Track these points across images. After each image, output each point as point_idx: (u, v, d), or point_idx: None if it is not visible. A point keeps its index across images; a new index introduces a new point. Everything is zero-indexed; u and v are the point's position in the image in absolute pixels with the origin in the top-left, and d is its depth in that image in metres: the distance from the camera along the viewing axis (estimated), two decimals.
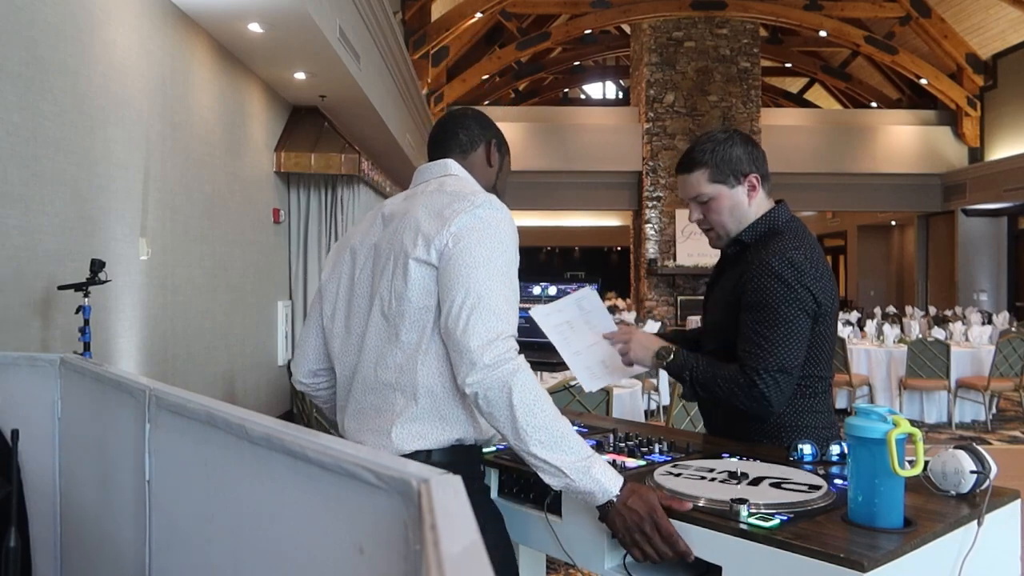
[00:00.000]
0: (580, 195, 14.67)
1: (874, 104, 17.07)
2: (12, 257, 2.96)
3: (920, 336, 7.57)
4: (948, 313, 12.38)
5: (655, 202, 14.13)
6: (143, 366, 4.07)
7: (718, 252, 1.97)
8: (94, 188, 3.58)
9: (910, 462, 1.23)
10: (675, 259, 13.92)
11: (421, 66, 11.94)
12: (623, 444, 1.69)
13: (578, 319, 1.91)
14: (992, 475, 1.30)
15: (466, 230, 1.38)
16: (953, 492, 1.31)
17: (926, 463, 1.32)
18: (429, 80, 12.74)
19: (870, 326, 7.96)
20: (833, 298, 1.72)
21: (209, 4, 4.53)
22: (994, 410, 7.14)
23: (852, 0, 13.66)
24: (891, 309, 12.96)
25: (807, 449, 1.56)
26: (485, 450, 1.60)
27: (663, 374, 5.23)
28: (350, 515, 0.75)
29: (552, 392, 3.21)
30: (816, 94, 19.89)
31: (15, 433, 1.58)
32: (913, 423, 1.22)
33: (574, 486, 1.31)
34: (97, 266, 3.17)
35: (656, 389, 6.75)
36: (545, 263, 22.45)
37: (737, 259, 1.82)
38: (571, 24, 14.06)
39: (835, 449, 1.54)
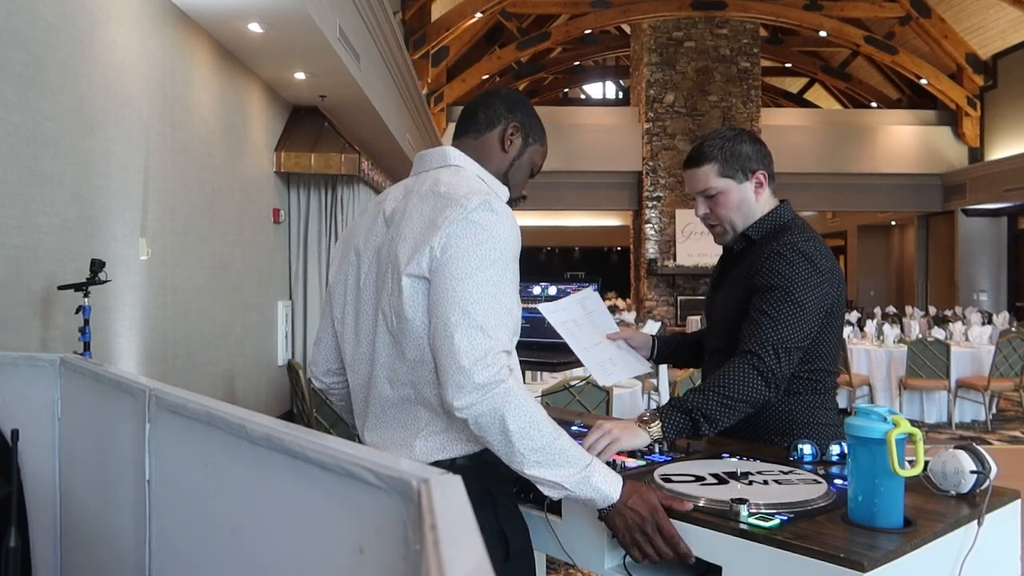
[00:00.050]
0: (580, 195, 14.67)
1: (874, 104, 17.07)
2: (12, 257, 2.96)
3: (920, 336, 7.57)
4: (948, 313, 12.38)
5: (655, 202, 14.13)
6: (143, 366, 4.07)
7: (718, 252, 1.97)
8: (94, 188, 3.58)
9: (910, 462, 1.23)
10: (675, 259, 13.92)
11: (421, 66, 11.94)
12: None
13: (583, 318, 1.92)
14: (992, 475, 1.30)
15: (456, 238, 1.30)
16: (953, 492, 1.31)
17: (926, 463, 1.32)
18: (429, 80, 12.74)
19: (870, 326, 7.96)
20: (843, 294, 1.74)
21: (209, 4, 4.53)
22: (994, 410, 7.14)
23: (852, 0, 13.66)
24: (891, 309, 12.97)
25: (807, 449, 1.56)
26: None
27: (663, 374, 5.22)
28: (350, 515, 0.75)
29: (552, 392, 3.21)
30: (816, 94, 19.89)
31: (15, 433, 1.58)
32: (913, 423, 1.22)
33: (573, 496, 1.30)
34: (97, 266, 3.17)
35: (656, 389, 6.74)
36: (545, 263, 22.45)
37: (741, 257, 1.82)
38: (571, 24, 14.06)
39: (835, 449, 1.54)
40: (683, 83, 14.14)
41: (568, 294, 2.04)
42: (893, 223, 17.60)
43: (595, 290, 2.03)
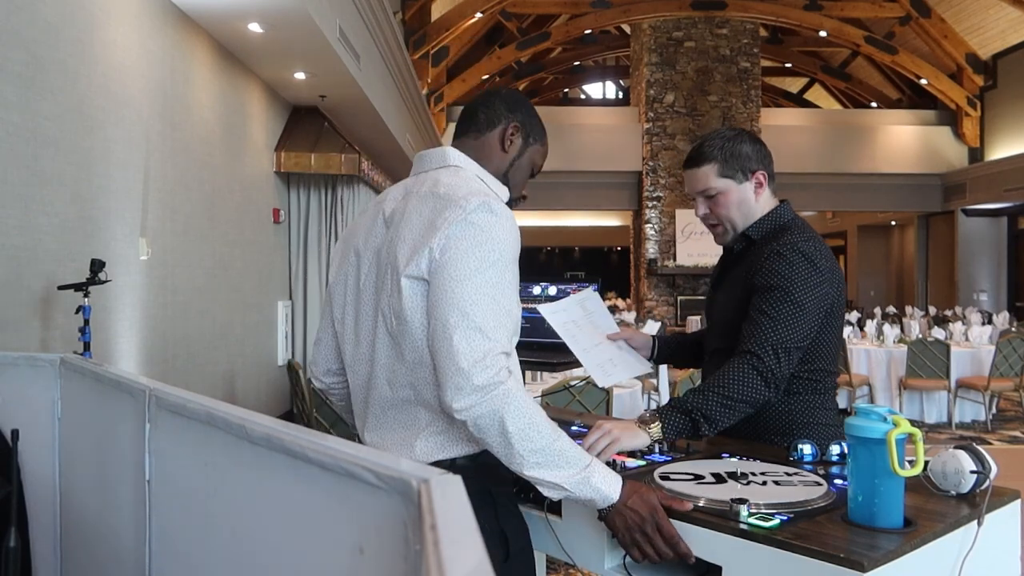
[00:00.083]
0: (580, 195, 14.67)
1: (874, 104, 17.08)
2: (12, 257, 2.96)
3: (920, 336, 7.57)
4: (948, 313, 12.38)
5: (655, 202, 14.14)
6: (143, 366, 4.08)
7: (718, 252, 1.97)
8: (94, 188, 3.58)
9: (910, 462, 1.23)
10: (675, 259, 13.92)
11: (421, 66, 11.94)
12: None
13: (583, 319, 1.92)
14: (992, 475, 1.30)
15: (455, 239, 1.29)
16: (953, 492, 1.31)
17: (926, 463, 1.32)
18: (429, 80, 12.74)
19: (870, 326, 7.96)
20: (843, 294, 1.74)
21: (209, 4, 4.53)
22: (994, 410, 7.14)
23: (852, 0, 13.67)
24: (891, 309, 12.97)
25: (807, 449, 1.56)
26: None
27: (663, 374, 5.22)
28: (350, 515, 0.75)
29: (552, 392, 3.21)
30: (816, 94, 19.90)
31: (15, 433, 1.58)
32: (913, 423, 1.22)
33: (573, 496, 1.30)
34: (97, 266, 3.17)
35: (656, 389, 6.75)
36: (545, 263, 22.45)
37: (741, 257, 1.83)
38: (571, 24, 14.07)
39: (835, 449, 1.54)
40: (683, 83, 14.14)
41: (568, 294, 2.04)
42: (893, 223, 17.60)
43: (595, 290, 2.03)
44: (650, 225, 14.16)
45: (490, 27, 14.51)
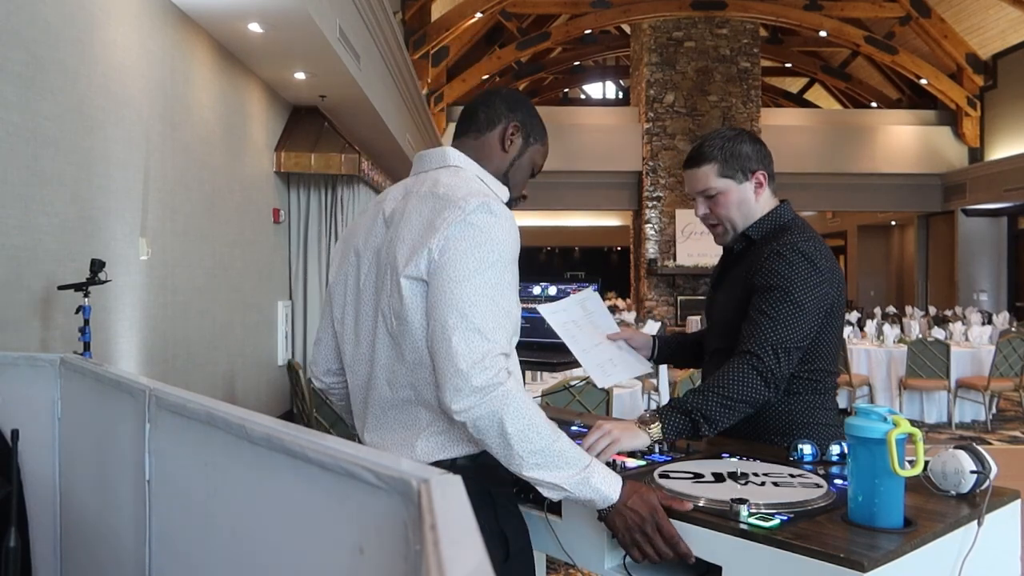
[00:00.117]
0: (580, 195, 14.67)
1: (874, 104, 17.08)
2: (12, 257, 2.96)
3: (920, 336, 7.57)
4: (948, 313, 12.39)
5: (655, 202, 14.14)
6: (143, 366, 4.08)
7: (718, 252, 1.97)
8: (94, 188, 3.58)
9: (910, 462, 1.23)
10: (675, 259, 13.93)
11: (421, 66, 11.94)
12: None
13: (583, 319, 1.92)
14: (992, 475, 1.30)
15: (454, 240, 1.29)
16: (953, 492, 1.31)
17: (926, 463, 1.32)
18: (429, 80, 12.74)
19: (870, 326, 7.96)
20: (843, 294, 1.74)
21: (209, 4, 4.53)
22: (994, 410, 7.14)
23: (852, 0, 13.67)
24: (891, 309, 12.97)
25: (807, 449, 1.56)
26: None
27: (663, 374, 5.23)
28: (350, 515, 0.75)
29: (552, 392, 3.21)
30: (816, 94, 19.90)
31: (15, 433, 1.58)
32: (913, 423, 1.22)
33: (573, 497, 1.30)
34: (97, 266, 3.17)
35: (656, 389, 6.75)
36: (545, 263, 22.45)
37: (741, 257, 1.83)
38: (571, 24, 14.07)
39: (835, 449, 1.54)
40: (683, 83, 14.14)
41: (568, 294, 2.04)
42: (893, 223, 17.60)
43: (595, 290, 2.03)
44: (650, 225, 14.16)
45: (490, 27, 14.51)
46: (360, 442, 1.48)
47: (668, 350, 2.06)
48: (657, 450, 1.60)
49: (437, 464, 1.35)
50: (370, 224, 1.49)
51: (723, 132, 1.82)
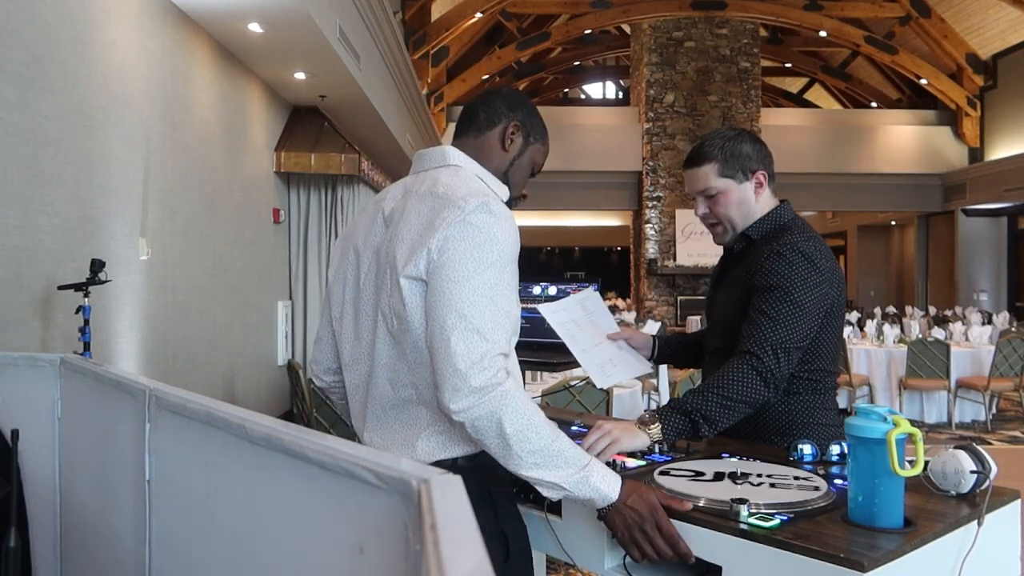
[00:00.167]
0: (580, 195, 14.67)
1: (874, 104, 17.08)
2: (12, 257, 2.96)
3: (920, 336, 7.57)
4: (948, 313, 12.39)
5: (655, 202, 14.14)
6: (143, 366, 4.08)
7: (718, 252, 1.97)
8: (94, 188, 3.58)
9: (910, 462, 1.23)
10: (675, 259, 13.93)
11: (421, 66, 11.94)
12: None
13: (583, 319, 1.92)
14: (992, 475, 1.30)
15: (453, 240, 1.29)
16: (953, 492, 1.31)
17: (926, 463, 1.32)
18: (429, 80, 12.74)
19: (870, 326, 7.96)
20: (843, 294, 1.74)
21: (209, 4, 4.53)
22: (994, 410, 7.14)
23: (852, 0, 13.67)
24: (891, 309, 12.97)
25: (807, 449, 1.55)
26: None
27: (663, 374, 5.23)
28: (350, 515, 0.75)
29: (552, 392, 3.21)
30: (816, 94, 19.90)
31: (15, 433, 1.58)
32: (913, 423, 1.22)
33: (572, 496, 1.30)
34: (97, 266, 3.17)
35: (656, 389, 6.75)
36: (545, 263, 22.46)
37: (741, 256, 1.83)
38: (571, 24, 14.07)
39: (835, 449, 1.54)
40: (683, 83, 14.14)
41: (568, 294, 2.04)
42: (893, 223, 17.60)
43: (595, 290, 2.03)
44: (650, 225, 14.16)
45: (490, 27, 14.51)
46: (359, 441, 1.48)
47: (668, 350, 2.06)
48: (657, 450, 1.60)
49: (437, 464, 1.35)
50: (369, 223, 1.49)
51: (723, 132, 1.82)
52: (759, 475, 1.42)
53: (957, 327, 8.05)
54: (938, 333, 7.44)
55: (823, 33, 13.99)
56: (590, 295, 1.99)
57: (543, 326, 1.91)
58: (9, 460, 1.57)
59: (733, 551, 1.20)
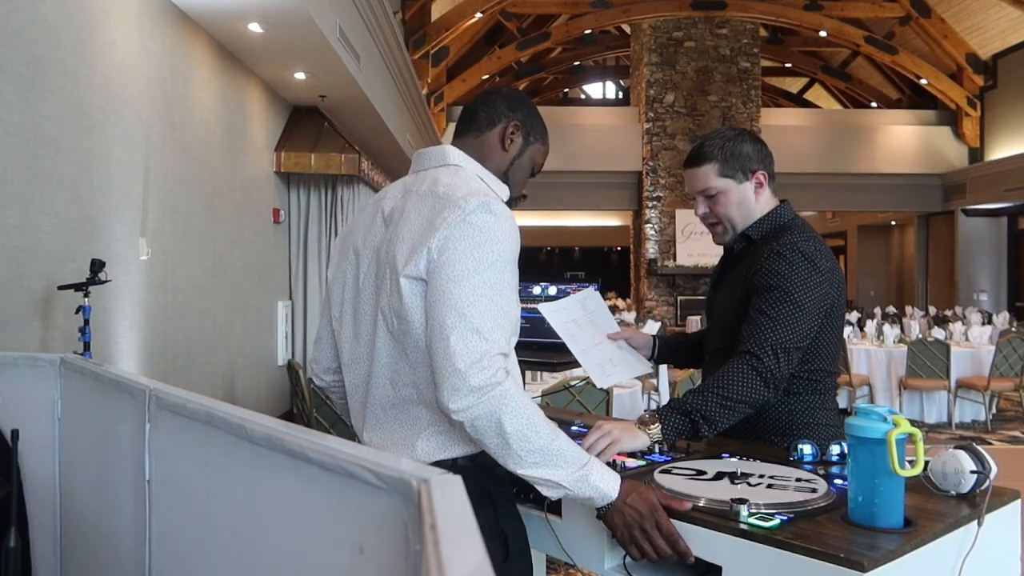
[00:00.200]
0: (580, 195, 14.67)
1: (874, 104, 17.08)
2: (12, 257, 2.96)
3: (920, 336, 7.57)
4: (948, 313, 12.39)
5: (655, 202, 14.14)
6: (143, 366, 4.08)
7: (718, 252, 1.97)
8: (94, 188, 3.58)
9: (910, 462, 1.23)
10: (675, 259, 13.93)
11: (421, 66, 11.94)
12: None
13: (583, 318, 1.92)
14: (992, 475, 1.30)
15: (454, 240, 1.29)
16: (953, 492, 1.31)
17: (926, 463, 1.32)
18: (429, 80, 12.74)
19: (870, 326, 7.96)
20: (843, 294, 1.74)
21: (209, 4, 4.53)
22: (994, 410, 7.14)
23: (852, 0, 13.67)
24: (891, 309, 12.97)
25: (807, 449, 1.55)
26: None
27: (663, 374, 5.22)
28: (350, 515, 0.75)
29: (552, 392, 3.21)
30: (816, 94, 19.90)
31: (15, 433, 1.58)
32: (913, 423, 1.22)
33: (572, 495, 1.30)
34: (97, 266, 3.17)
35: (656, 389, 6.75)
36: (545, 263, 22.46)
37: (741, 256, 1.83)
38: (571, 24, 14.07)
39: (835, 449, 1.54)
40: (683, 83, 14.14)
41: (568, 294, 2.04)
42: (893, 223, 17.60)
43: (595, 290, 2.03)
44: (650, 225, 14.16)
45: (490, 27, 14.51)
46: (359, 441, 1.48)
47: (668, 350, 2.06)
48: (657, 450, 1.60)
49: (437, 464, 1.35)
50: (369, 222, 1.48)
51: (723, 132, 1.82)
52: (759, 475, 1.42)
53: (957, 327, 8.05)
54: (938, 333, 7.44)
55: (823, 33, 13.99)
56: (590, 295, 1.99)
57: (543, 326, 1.91)
58: (9, 460, 1.57)
59: (733, 551, 1.20)
